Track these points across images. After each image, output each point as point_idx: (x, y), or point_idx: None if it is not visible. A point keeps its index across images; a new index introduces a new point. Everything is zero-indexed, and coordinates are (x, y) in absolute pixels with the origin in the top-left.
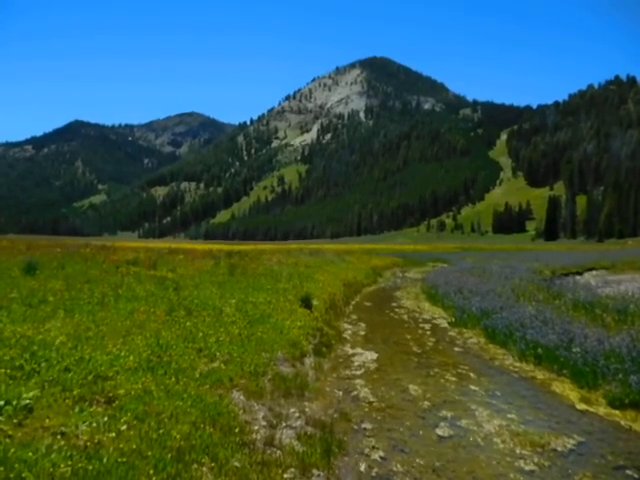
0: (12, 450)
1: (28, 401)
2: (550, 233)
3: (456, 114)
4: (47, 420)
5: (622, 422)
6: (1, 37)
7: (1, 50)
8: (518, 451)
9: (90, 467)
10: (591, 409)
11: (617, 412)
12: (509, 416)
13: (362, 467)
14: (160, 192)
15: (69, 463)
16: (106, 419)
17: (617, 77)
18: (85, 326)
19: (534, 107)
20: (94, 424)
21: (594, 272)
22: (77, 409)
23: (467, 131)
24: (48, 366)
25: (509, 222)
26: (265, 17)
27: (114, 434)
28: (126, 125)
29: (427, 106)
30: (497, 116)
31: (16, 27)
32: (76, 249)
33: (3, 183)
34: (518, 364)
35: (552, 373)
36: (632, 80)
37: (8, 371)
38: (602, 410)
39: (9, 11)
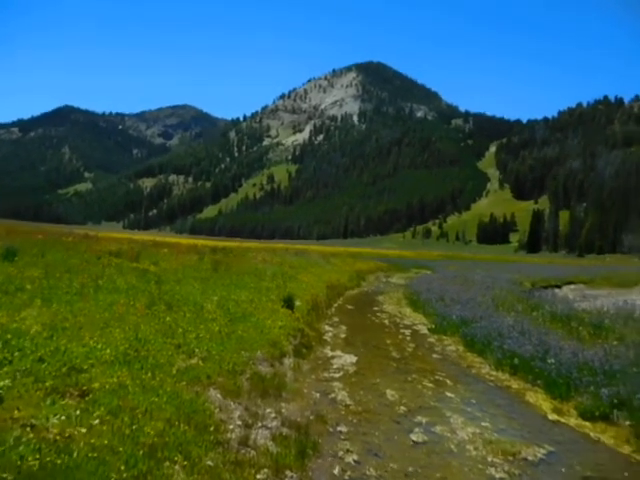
0: None
1: None
2: (532, 246)
3: (448, 124)
4: (17, 411)
5: (592, 434)
6: None
7: None
8: (490, 459)
9: (59, 461)
10: (562, 420)
11: (587, 424)
12: (483, 424)
13: (336, 470)
14: (148, 183)
15: (37, 456)
16: (78, 413)
17: (605, 97)
18: (62, 316)
19: (524, 121)
20: (66, 417)
21: (572, 286)
22: (49, 401)
23: (457, 141)
24: (21, 356)
25: (493, 233)
26: (263, 15)
27: (86, 428)
28: (117, 114)
29: (420, 114)
30: (488, 128)
31: (9, 17)
32: (58, 237)
33: None
34: (494, 373)
35: (527, 383)
36: (620, 101)
37: None
38: (573, 421)
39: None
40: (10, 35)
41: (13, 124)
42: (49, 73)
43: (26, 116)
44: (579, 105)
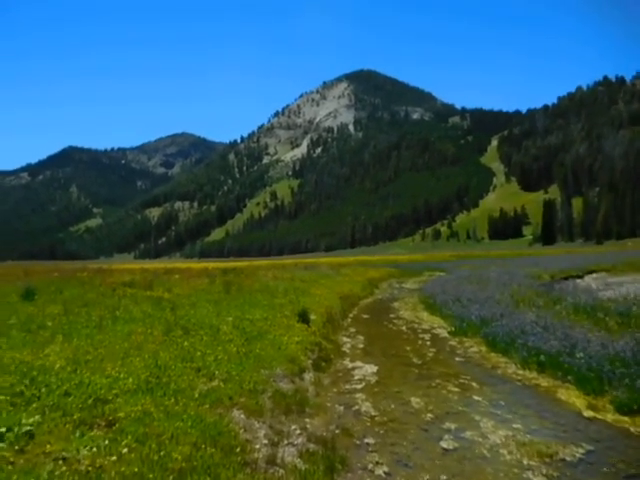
0: (14, 477)
1: (29, 427)
2: (547, 237)
3: (445, 122)
4: (48, 445)
5: (631, 429)
6: None
7: None
8: (525, 462)
9: None
10: (599, 416)
11: (626, 418)
12: (514, 426)
13: None
14: (154, 213)
15: None
16: (107, 442)
17: (605, 78)
18: (84, 350)
19: (523, 112)
20: (95, 448)
21: (594, 275)
22: (78, 433)
23: (457, 139)
24: (48, 391)
25: (505, 228)
26: (251, 35)
27: (115, 457)
28: (119, 149)
29: (415, 116)
30: (487, 122)
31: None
32: (73, 273)
33: (0, 211)
34: (521, 372)
35: (556, 380)
36: (621, 80)
37: (8, 398)
38: (610, 417)
39: None
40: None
41: (22, 169)
42: (49, 111)
43: (33, 160)
44: (579, 89)
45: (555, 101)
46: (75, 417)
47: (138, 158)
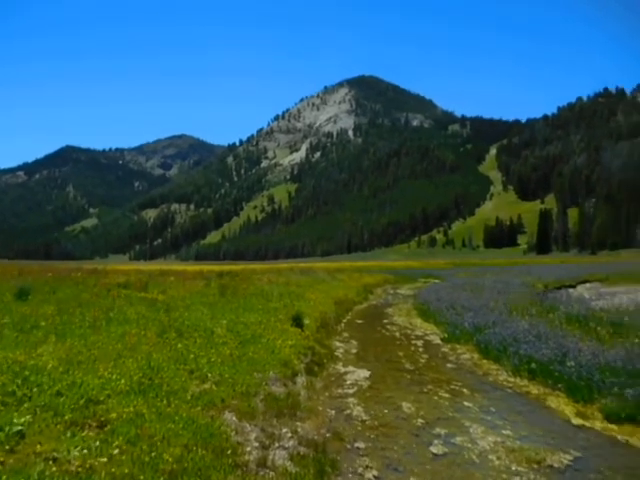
0: (4, 477)
1: (20, 427)
2: (542, 246)
3: (445, 130)
4: (39, 446)
5: (619, 437)
6: None
7: None
8: (514, 468)
9: None
10: (587, 424)
11: (614, 426)
12: (504, 432)
13: None
14: (151, 214)
15: None
16: (98, 443)
17: (606, 89)
18: (77, 350)
19: (523, 121)
20: (86, 449)
21: (588, 285)
22: (69, 434)
23: (456, 147)
24: (40, 391)
25: (500, 236)
26: (253, 37)
27: (106, 458)
28: (116, 149)
29: (416, 123)
30: (486, 131)
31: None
32: (68, 273)
33: None
34: (512, 379)
35: (547, 388)
36: (621, 92)
37: (0, 397)
38: (598, 425)
39: None
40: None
41: (18, 168)
42: (49, 112)
43: (30, 159)
44: (579, 99)
45: (555, 111)
46: (66, 417)
47: (136, 159)
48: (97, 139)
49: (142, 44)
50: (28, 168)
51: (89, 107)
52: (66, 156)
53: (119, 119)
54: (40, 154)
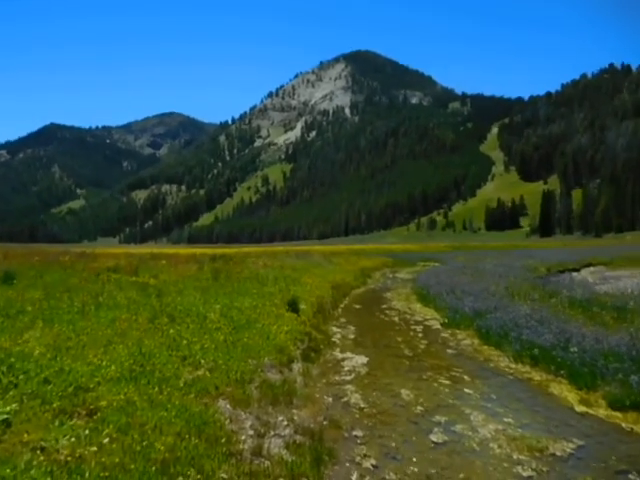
0: None
1: (6, 415)
2: (545, 229)
3: (445, 108)
4: (26, 435)
5: (623, 424)
6: None
7: None
8: (515, 456)
9: None
10: (591, 411)
11: (618, 414)
12: (505, 420)
13: (354, 476)
14: (140, 196)
15: (49, 479)
16: (87, 432)
17: (611, 65)
18: (65, 336)
19: (525, 99)
20: (75, 438)
21: (591, 268)
22: (57, 422)
23: (456, 126)
24: (27, 378)
25: (502, 218)
26: (245, 8)
27: (96, 447)
28: (103, 127)
29: (414, 100)
30: (487, 109)
31: None
32: (55, 257)
33: None
34: (514, 365)
35: (549, 374)
36: (627, 69)
37: None
38: (602, 412)
39: None
40: None
41: (1, 147)
42: (32, 93)
43: (12, 137)
44: (583, 76)
45: (559, 88)
46: (54, 405)
47: (124, 138)
48: (82, 117)
49: (132, 29)
50: (11, 147)
51: (73, 83)
52: (50, 134)
53: (105, 97)
54: (23, 132)
